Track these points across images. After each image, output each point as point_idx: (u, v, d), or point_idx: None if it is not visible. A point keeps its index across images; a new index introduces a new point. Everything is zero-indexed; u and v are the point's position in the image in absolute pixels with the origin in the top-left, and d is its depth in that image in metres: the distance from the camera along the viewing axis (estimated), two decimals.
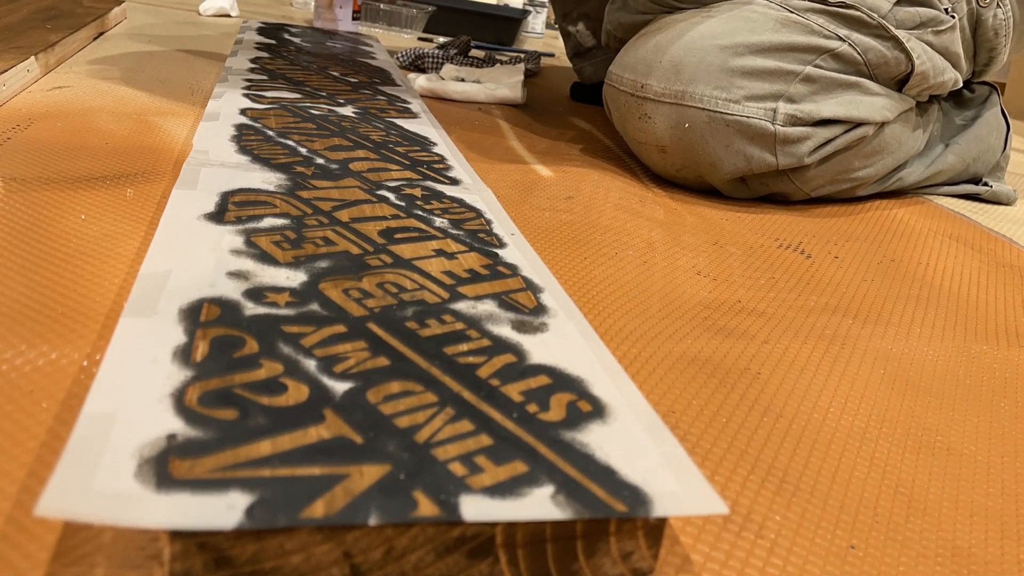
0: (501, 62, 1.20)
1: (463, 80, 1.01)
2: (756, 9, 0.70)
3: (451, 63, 1.10)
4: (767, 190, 0.73)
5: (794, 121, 0.67)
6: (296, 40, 1.07)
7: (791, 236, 0.66)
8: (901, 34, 0.70)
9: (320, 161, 0.54)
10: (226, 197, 0.44)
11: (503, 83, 1.01)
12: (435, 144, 0.64)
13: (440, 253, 0.41)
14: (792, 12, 0.69)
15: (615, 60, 0.76)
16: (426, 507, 0.22)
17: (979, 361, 0.47)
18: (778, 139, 0.67)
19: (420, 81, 0.97)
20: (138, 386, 0.26)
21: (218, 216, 0.41)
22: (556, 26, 2.00)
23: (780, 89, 0.67)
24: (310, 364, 0.29)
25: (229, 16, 1.41)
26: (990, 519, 0.33)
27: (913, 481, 0.35)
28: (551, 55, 1.54)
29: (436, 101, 0.95)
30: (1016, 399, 0.43)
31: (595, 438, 0.27)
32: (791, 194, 0.73)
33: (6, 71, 0.69)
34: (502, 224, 0.47)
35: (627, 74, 0.72)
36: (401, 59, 1.14)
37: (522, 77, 1.03)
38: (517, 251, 0.44)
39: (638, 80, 0.71)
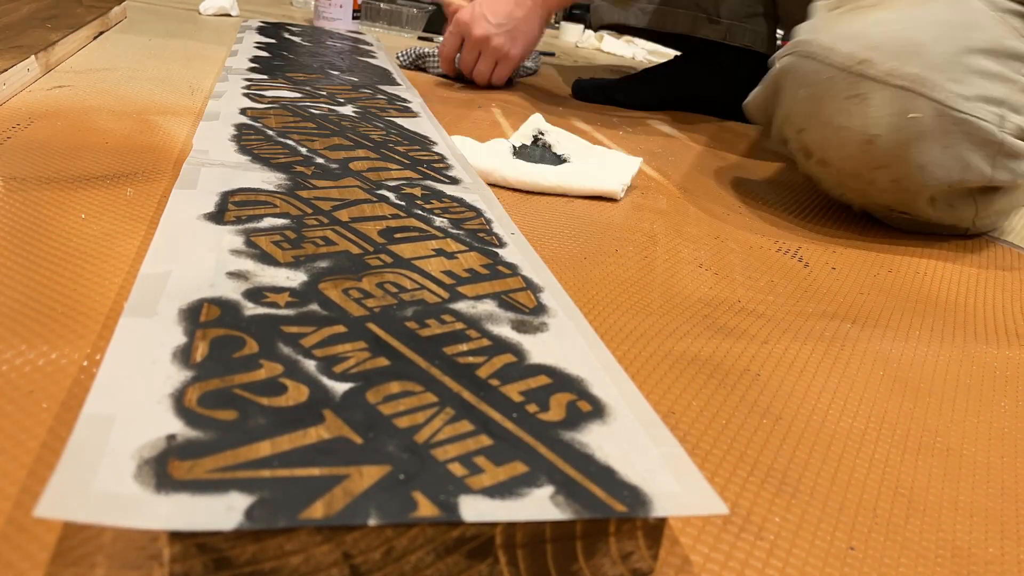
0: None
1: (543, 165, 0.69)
2: (972, 4, 0.62)
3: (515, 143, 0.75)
4: (940, 220, 0.67)
5: (1021, 133, 0.62)
6: (296, 39, 1.06)
7: (790, 241, 0.66)
8: None
9: (320, 160, 0.54)
10: (226, 197, 0.44)
11: (607, 170, 0.70)
12: (435, 143, 0.64)
13: (440, 253, 0.41)
14: (1007, 14, 0.63)
15: (806, 27, 0.66)
16: (426, 508, 0.22)
17: (978, 361, 0.47)
18: (1003, 149, 0.61)
19: (480, 164, 0.66)
20: (138, 387, 0.26)
21: (218, 216, 0.41)
22: (555, 25, 2.00)
23: (1005, 95, 0.61)
24: (310, 364, 0.29)
25: (229, 16, 1.41)
26: (990, 519, 0.33)
27: (913, 482, 0.35)
28: (551, 54, 1.54)
29: (435, 99, 0.95)
30: (1016, 399, 0.43)
31: (595, 438, 0.27)
32: (954, 225, 0.68)
33: (6, 71, 0.69)
34: (502, 223, 0.47)
35: (840, 44, 0.62)
36: (402, 59, 1.14)
37: (635, 172, 0.71)
38: (517, 250, 0.43)
39: (856, 53, 0.61)
